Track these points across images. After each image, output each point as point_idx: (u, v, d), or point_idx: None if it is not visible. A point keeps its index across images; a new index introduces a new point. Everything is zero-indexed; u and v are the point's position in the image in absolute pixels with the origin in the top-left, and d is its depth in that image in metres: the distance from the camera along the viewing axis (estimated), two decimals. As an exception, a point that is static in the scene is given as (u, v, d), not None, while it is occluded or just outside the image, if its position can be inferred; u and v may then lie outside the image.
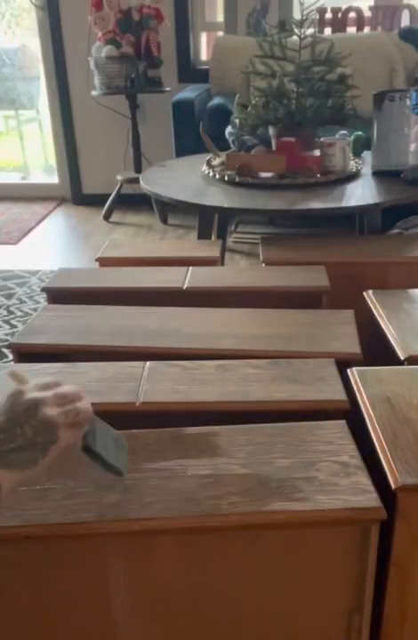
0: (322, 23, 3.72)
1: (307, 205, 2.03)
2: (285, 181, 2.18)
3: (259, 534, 0.80)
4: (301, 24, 2.25)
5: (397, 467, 0.81)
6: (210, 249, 1.86)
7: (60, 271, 1.68)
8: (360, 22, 3.80)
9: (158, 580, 0.82)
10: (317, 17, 3.52)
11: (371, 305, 1.35)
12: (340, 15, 3.78)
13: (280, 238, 2.26)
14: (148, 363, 1.13)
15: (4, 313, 2.60)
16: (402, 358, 1.13)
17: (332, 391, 1.03)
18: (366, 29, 3.82)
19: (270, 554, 0.81)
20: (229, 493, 0.80)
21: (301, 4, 2.24)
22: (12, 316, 2.56)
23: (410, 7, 3.79)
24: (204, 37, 4.09)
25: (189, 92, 3.47)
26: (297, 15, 2.36)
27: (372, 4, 3.87)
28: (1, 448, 0.67)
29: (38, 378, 0.74)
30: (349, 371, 1.06)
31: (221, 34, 3.92)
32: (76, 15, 3.57)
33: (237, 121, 2.42)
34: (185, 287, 1.50)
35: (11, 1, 5.47)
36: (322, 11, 3.66)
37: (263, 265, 1.71)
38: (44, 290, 1.59)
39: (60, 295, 1.53)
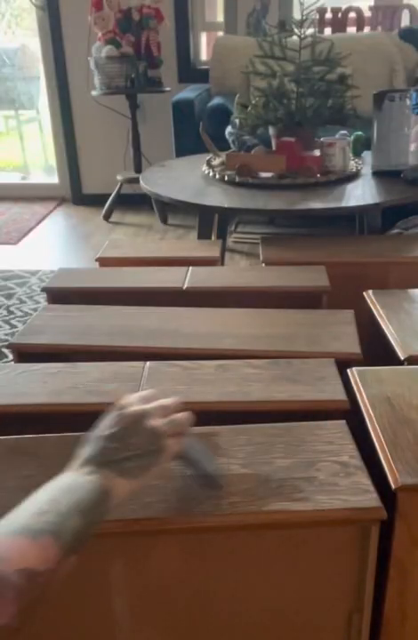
0: (322, 23, 3.72)
1: (307, 205, 2.03)
2: (285, 181, 2.18)
3: (259, 534, 0.80)
4: (301, 24, 2.25)
5: (397, 467, 0.81)
6: (210, 249, 1.86)
7: (60, 271, 1.68)
8: (360, 22, 3.80)
9: (158, 580, 0.82)
10: (317, 17, 3.52)
11: (371, 305, 1.35)
12: (340, 15, 3.78)
13: (280, 238, 2.26)
14: (148, 363, 1.13)
15: (4, 313, 2.60)
16: (402, 358, 1.13)
17: (332, 391, 1.03)
18: (366, 29, 3.82)
19: (270, 554, 0.81)
20: (229, 493, 0.80)
21: (301, 3, 2.24)
22: (11, 316, 2.56)
23: (410, 7, 3.79)
24: (204, 37, 4.09)
25: (189, 92, 3.47)
26: (297, 15, 2.36)
27: (372, 3, 3.87)
28: (115, 457, 0.69)
29: (138, 392, 0.79)
30: (349, 371, 1.06)
31: (221, 34, 3.92)
32: (76, 15, 3.57)
33: (237, 121, 2.42)
34: (185, 287, 1.50)
35: (11, 1, 5.47)
36: (322, 11, 3.66)
37: (263, 265, 1.71)
38: (44, 290, 1.59)
39: (60, 295, 1.53)
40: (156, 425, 0.73)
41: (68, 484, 0.67)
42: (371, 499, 0.79)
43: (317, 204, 2.04)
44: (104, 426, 0.73)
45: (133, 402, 0.76)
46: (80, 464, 0.70)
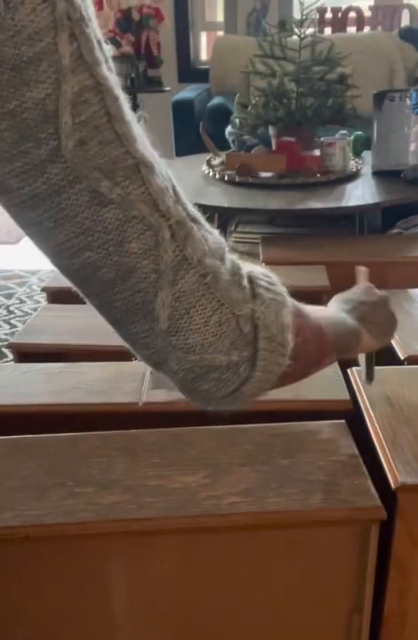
0: (322, 23, 3.72)
1: (307, 205, 2.03)
2: (285, 181, 2.18)
3: (259, 534, 0.80)
4: (301, 24, 2.26)
5: (397, 466, 0.81)
6: (210, 249, 1.86)
7: (60, 271, 1.68)
8: (360, 22, 3.81)
9: (158, 580, 0.82)
10: (317, 17, 3.52)
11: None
12: (340, 15, 3.78)
13: (280, 238, 2.27)
14: (148, 363, 1.13)
15: (4, 313, 2.60)
16: (402, 358, 1.12)
17: (334, 391, 1.03)
18: (366, 29, 3.82)
19: (270, 554, 0.81)
20: (228, 493, 0.80)
21: (301, 3, 2.24)
22: (12, 316, 2.56)
23: (410, 7, 3.79)
24: (204, 37, 4.09)
25: (189, 92, 3.47)
26: (297, 15, 2.36)
27: (372, 3, 3.88)
28: (366, 317, 0.79)
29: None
30: (349, 370, 1.06)
31: (221, 34, 3.92)
32: (76, 15, 3.57)
33: (237, 121, 2.42)
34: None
35: (11, 1, 5.46)
36: (322, 11, 3.66)
37: (263, 265, 1.71)
38: (44, 290, 1.59)
39: (59, 295, 1.53)
40: (393, 313, 0.88)
41: (331, 317, 0.75)
42: (371, 498, 0.79)
43: (317, 204, 2.04)
44: (359, 292, 0.86)
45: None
46: (340, 308, 0.79)
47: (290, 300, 0.57)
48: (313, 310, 0.66)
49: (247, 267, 0.55)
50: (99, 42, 0.45)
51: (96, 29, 0.45)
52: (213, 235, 0.53)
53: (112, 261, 0.47)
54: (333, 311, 0.79)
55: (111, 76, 0.45)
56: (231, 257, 0.53)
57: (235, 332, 0.51)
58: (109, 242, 0.46)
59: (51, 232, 0.46)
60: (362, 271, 0.97)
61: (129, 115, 0.46)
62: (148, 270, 0.47)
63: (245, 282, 0.53)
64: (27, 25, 0.39)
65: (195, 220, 0.51)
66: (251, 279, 0.54)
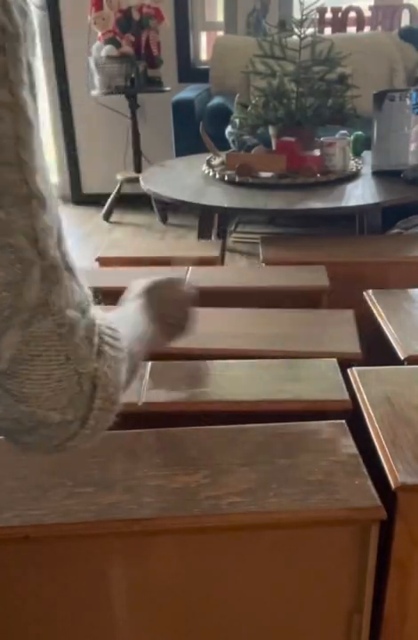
0: (322, 23, 3.71)
1: (307, 205, 2.03)
2: (285, 181, 2.18)
3: (259, 534, 0.80)
4: (301, 24, 2.26)
5: (397, 466, 0.81)
6: (210, 249, 1.86)
7: (59, 271, 1.68)
8: (360, 22, 3.80)
9: (158, 580, 0.82)
10: (317, 17, 3.52)
11: (371, 305, 1.35)
12: (340, 15, 3.78)
13: (280, 238, 2.27)
14: (149, 363, 1.13)
15: (4, 313, 2.59)
16: (402, 358, 1.12)
17: (334, 391, 1.03)
18: (366, 29, 3.82)
19: (270, 554, 0.81)
20: (228, 493, 0.80)
21: (301, 3, 2.24)
22: (11, 316, 2.56)
23: (410, 7, 3.78)
24: (204, 37, 4.09)
25: (189, 92, 3.47)
26: (297, 15, 2.36)
27: (372, 3, 3.87)
28: (163, 318, 0.82)
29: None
30: (349, 370, 1.06)
31: (221, 34, 3.92)
32: (76, 15, 3.57)
33: (237, 121, 2.42)
34: (185, 287, 1.50)
35: (11, 1, 5.46)
36: (322, 10, 3.66)
37: (263, 265, 1.71)
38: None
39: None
40: (189, 314, 0.91)
41: (139, 332, 0.74)
42: (371, 498, 0.79)
43: (317, 204, 2.04)
44: (165, 286, 0.87)
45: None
46: (141, 304, 0.79)
47: (127, 352, 0.56)
48: (128, 325, 0.67)
49: (99, 318, 0.53)
50: (29, 64, 0.44)
51: (32, 50, 0.44)
52: (82, 287, 0.51)
53: None
54: (137, 315, 0.76)
55: (32, 102, 0.44)
56: (91, 312, 0.52)
57: (74, 389, 0.49)
58: None
59: None
60: (177, 259, 1.05)
61: (38, 145, 0.45)
62: (5, 304, 0.45)
63: (96, 339, 0.51)
64: None
65: (69, 269, 0.49)
66: (100, 334, 0.52)
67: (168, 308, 0.85)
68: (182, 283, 0.93)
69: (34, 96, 0.45)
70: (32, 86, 0.44)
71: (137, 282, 0.85)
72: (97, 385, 0.51)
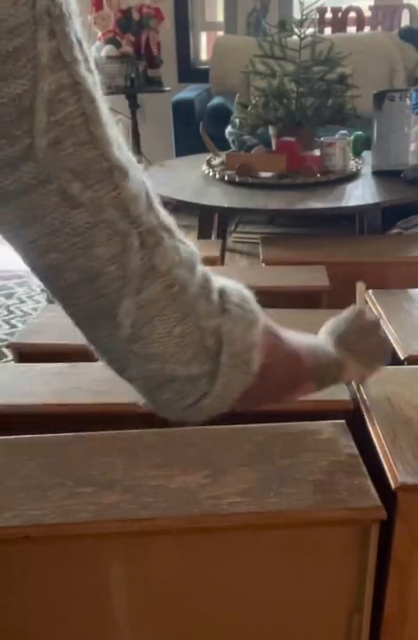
0: (322, 23, 3.72)
1: (307, 205, 2.03)
2: (285, 181, 2.18)
3: (259, 534, 0.80)
4: (301, 24, 2.26)
5: (397, 467, 0.81)
6: (210, 249, 1.86)
7: (60, 271, 1.68)
8: (360, 22, 3.81)
9: (158, 580, 0.82)
10: (317, 17, 3.52)
11: (371, 305, 1.35)
12: (340, 15, 3.78)
13: (280, 238, 2.27)
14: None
15: (4, 313, 2.60)
16: (402, 358, 1.12)
17: (334, 391, 1.02)
18: (366, 29, 3.82)
19: (270, 554, 0.81)
20: (228, 493, 0.80)
21: (301, 3, 2.24)
22: (12, 316, 2.56)
23: (410, 7, 3.79)
24: (204, 37, 4.09)
25: (189, 92, 3.47)
26: (297, 15, 2.36)
27: (372, 3, 3.88)
28: (353, 347, 0.80)
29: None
30: (349, 371, 1.06)
31: (221, 34, 3.92)
32: (76, 15, 3.57)
33: (237, 121, 2.42)
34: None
35: (11, 1, 5.46)
36: (322, 10, 3.66)
37: (263, 265, 1.71)
38: (44, 290, 1.59)
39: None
40: (384, 338, 0.87)
41: (312, 344, 0.74)
42: (371, 498, 0.79)
43: (317, 204, 2.04)
44: (347, 320, 0.83)
45: (368, 312, 0.89)
46: (326, 339, 0.78)
47: (263, 319, 0.57)
48: (293, 335, 0.66)
49: (221, 280, 0.54)
50: (79, 41, 0.44)
51: (77, 28, 0.44)
52: (185, 245, 0.52)
53: (78, 264, 0.46)
54: (317, 339, 0.77)
55: (90, 76, 0.44)
56: (203, 269, 0.53)
57: (198, 344, 0.51)
58: (76, 244, 0.45)
59: (19, 230, 0.45)
60: (360, 288, 0.94)
61: (106, 117, 0.45)
62: (114, 276, 0.47)
63: (215, 296, 0.52)
64: (6, 18, 0.39)
65: (167, 229, 0.50)
66: (222, 293, 0.53)
67: (355, 336, 0.82)
68: (362, 310, 0.89)
69: (90, 71, 0.45)
70: (87, 61, 0.45)
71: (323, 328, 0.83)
72: (222, 340, 0.52)
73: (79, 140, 0.43)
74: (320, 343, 0.76)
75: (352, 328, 0.81)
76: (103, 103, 0.46)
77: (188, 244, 0.53)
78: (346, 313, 0.85)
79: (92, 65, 0.46)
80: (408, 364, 1.12)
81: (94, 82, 0.45)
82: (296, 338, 0.67)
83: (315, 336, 0.79)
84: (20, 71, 0.40)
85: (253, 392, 0.56)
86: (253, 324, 0.55)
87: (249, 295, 0.57)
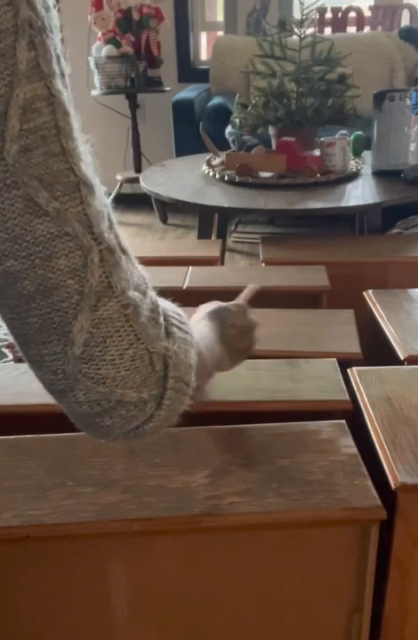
0: (322, 23, 3.72)
1: (307, 205, 2.03)
2: (285, 181, 2.18)
3: (259, 534, 0.80)
4: (301, 24, 2.26)
5: (397, 466, 0.81)
6: (210, 249, 1.86)
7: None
8: (360, 22, 3.80)
9: (158, 580, 0.82)
10: (317, 17, 3.52)
11: (371, 305, 1.35)
12: (340, 15, 3.78)
13: (280, 238, 2.27)
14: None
15: (4, 313, 2.59)
16: (402, 358, 1.12)
17: (334, 391, 1.03)
18: (366, 29, 3.82)
19: (270, 554, 0.81)
20: (228, 493, 0.80)
21: (301, 3, 2.24)
22: (11, 316, 2.56)
23: (410, 7, 3.79)
24: (204, 37, 4.09)
25: (189, 92, 3.47)
26: (297, 15, 2.36)
27: (372, 3, 3.87)
28: (231, 342, 0.82)
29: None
30: (349, 371, 1.06)
31: (221, 34, 3.92)
32: (76, 15, 3.57)
33: (237, 121, 2.42)
34: (185, 287, 1.50)
35: (11, 1, 5.46)
36: (322, 10, 3.66)
37: (263, 265, 1.71)
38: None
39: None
40: (255, 342, 0.89)
41: (208, 345, 0.75)
42: (371, 498, 0.79)
43: (317, 204, 2.04)
44: (233, 312, 0.87)
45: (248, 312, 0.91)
46: (208, 325, 0.80)
47: (195, 340, 0.58)
48: (200, 339, 0.67)
49: (161, 303, 0.55)
50: (58, 55, 0.45)
51: (57, 42, 0.45)
52: (137, 269, 0.53)
53: (36, 274, 0.46)
54: (206, 332, 0.78)
55: (65, 91, 0.46)
56: (152, 293, 0.54)
57: (147, 368, 0.51)
58: (37, 254, 0.45)
59: None
60: (251, 288, 1.00)
61: (77, 133, 0.46)
62: (72, 290, 0.46)
63: (161, 319, 0.53)
64: None
65: (124, 252, 0.51)
66: (165, 317, 0.54)
67: (235, 332, 0.84)
68: (246, 309, 0.91)
69: (65, 85, 0.46)
70: (63, 76, 0.46)
71: (202, 306, 0.85)
72: (168, 364, 0.53)
73: (50, 151, 0.44)
74: (212, 339, 0.78)
75: (235, 323, 0.85)
76: (75, 119, 0.47)
77: (140, 268, 0.54)
78: (234, 306, 0.89)
79: (68, 81, 0.47)
80: (408, 363, 1.12)
81: (69, 97, 0.46)
82: (202, 343, 0.69)
83: (203, 320, 0.81)
84: None
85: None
86: (191, 347, 0.57)
87: (185, 317, 0.58)
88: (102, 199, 0.49)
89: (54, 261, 0.45)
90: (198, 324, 0.78)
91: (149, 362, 0.51)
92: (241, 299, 0.94)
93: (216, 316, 0.82)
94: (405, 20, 3.79)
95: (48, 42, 0.43)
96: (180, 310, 0.58)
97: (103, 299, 0.48)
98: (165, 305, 0.56)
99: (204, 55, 4.07)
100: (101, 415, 0.52)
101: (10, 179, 0.43)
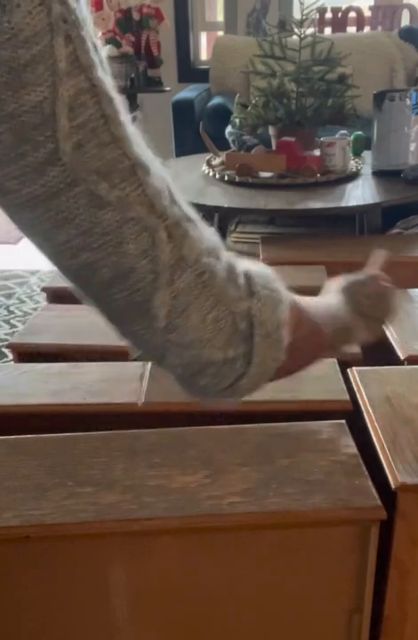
0: (322, 23, 3.72)
1: (307, 205, 2.03)
2: (284, 181, 2.18)
3: (259, 534, 0.80)
4: (301, 24, 2.26)
5: (397, 466, 0.81)
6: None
7: (60, 271, 1.68)
8: (360, 22, 3.81)
9: (158, 580, 0.82)
10: (317, 17, 3.52)
11: (371, 305, 1.34)
12: (340, 15, 3.78)
13: (280, 238, 2.27)
14: (149, 363, 1.13)
15: (4, 313, 2.60)
16: (402, 358, 1.12)
17: (334, 391, 1.03)
18: (366, 29, 3.82)
19: (270, 554, 0.81)
20: (228, 493, 0.80)
21: (301, 3, 2.24)
22: (12, 316, 2.57)
23: (410, 7, 3.79)
24: (204, 37, 4.09)
25: (189, 92, 3.47)
26: (297, 15, 2.36)
27: (372, 3, 3.88)
28: (366, 313, 0.81)
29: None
30: (349, 371, 1.06)
31: (221, 34, 3.92)
32: (76, 15, 3.57)
33: (237, 121, 2.42)
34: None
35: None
36: (322, 10, 3.66)
37: (263, 263, 1.71)
38: (43, 290, 1.59)
39: (60, 295, 1.53)
40: (395, 307, 0.86)
41: (330, 312, 0.76)
42: (371, 498, 0.79)
43: (317, 204, 2.04)
44: (364, 282, 0.84)
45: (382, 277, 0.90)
46: (340, 298, 0.80)
47: (287, 296, 0.59)
48: (311, 303, 0.69)
49: (244, 264, 0.57)
50: (94, 44, 0.45)
51: (91, 32, 0.45)
52: (208, 233, 0.54)
53: (111, 262, 0.47)
54: (333, 303, 0.79)
55: (106, 78, 0.46)
56: (227, 255, 0.55)
57: (231, 328, 0.53)
58: (108, 243, 0.47)
59: (49, 233, 0.46)
60: (379, 255, 0.95)
61: (124, 116, 0.47)
62: (146, 270, 0.48)
63: (241, 280, 0.54)
64: (23, 28, 0.40)
65: (190, 220, 0.52)
66: (247, 276, 0.55)
67: (368, 302, 0.84)
68: (378, 276, 0.90)
69: (106, 72, 0.46)
70: (102, 63, 0.46)
71: (333, 280, 0.86)
72: (253, 322, 0.54)
73: (101, 142, 0.44)
74: (336, 307, 0.78)
75: (368, 294, 0.83)
76: (120, 103, 0.47)
77: (211, 231, 0.55)
78: (364, 275, 0.87)
79: (107, 66, 0.47)
80: (408, 364, 1.12)
81: (111, 83, 0.46)
82: (316, 306, 0.71)
83: (331, 295, 0.81)
84: (39, 79, 0.41)
85: (282, 367, 0.59)
86: (280, 303, 0.58)
87: (272, 275, 0.59)
88: (159, 175, 0.50)
89: (125, 247, 0.47)
90: (325, 297, 0.80)
91: (233, 322, 0.53)
92: (370, 267, 0.93)
93: (345, 288, 0.83)
94: (405, 20, 3.79)
95: (83, 33, 0.43)
96: (269, 270, 0.59)
97: (177, 271, 0.49)
98: (249, 265, 0.58)
99: (204, 55, 4.07)
100: (195, 376, 0.56)
101: (69, 177, 0.44)
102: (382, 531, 0.79)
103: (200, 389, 0.57)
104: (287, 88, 2.30)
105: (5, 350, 2.18)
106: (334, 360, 1.11)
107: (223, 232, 2.55)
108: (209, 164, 2.40)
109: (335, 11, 3.77)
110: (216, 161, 2.41)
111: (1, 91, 0.40)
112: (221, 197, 2.14)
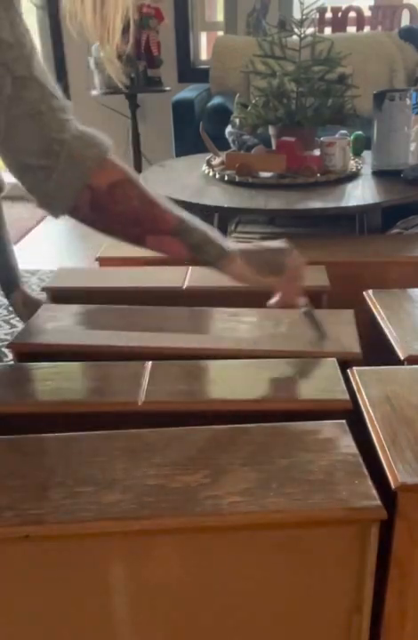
0: (322, 23, 3.72)
1: (307, 205, 2.03)
2: (284, 181, 2.18)
3: (259, 534, 0.80)
4: (301, 24, 2.26)
5: (397, 466, 0.81)
6: (210, 249, 1.85)
7: (59, 271, 1.68)
8: (360, 22, 3.81)
9: (158, 580, 0.82)
10: (317, 16, 3.53)
11: (371, 305, 1.35)
12: (340, 15, 3.78)
13: (280, 238, 2.26)
14: (148, 363, 1.13)
15: (4, 313, 2.60)
16: (402, 358, 1.12)
17: (334, 391, 1.03)
18: (366, 29, 3.83)
19: (270, 554, 0.81)
20: (228, 493, 0.80)
21: (301, 3, 2.24)
22: (12, 316, 2.56)
23: (410, 7, 3.79)
24: (204, 37, 4.09)
25: (189, 92, 3.47)
26: (297, 15, 2.36)
27: (372, 3, 3.88)
28: (251, 254, 1.10)
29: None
30: (349, 371, 1.06)
31: (221, 34, 3.92)
32: (76, 15, 3.57)
33: (237, 121, 2.42)
34: (185, 287, 1.50)
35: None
36: (322, 10, 3.66)
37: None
38: (44, 289, 1.59)
39: (60, 295, 1.53)
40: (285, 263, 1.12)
41: (199, 226, 1.04)
42: (371, 498, 0.79)
43: (317, 204, 2.04)
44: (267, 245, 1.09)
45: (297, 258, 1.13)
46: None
47: (105, 148, 0.97)
48: (176, 214, 1.03)
49: (88, 130, 0.97)
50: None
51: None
52: (52, 94, 0.89)
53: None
54: (206, 226, 1.03)
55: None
56: (62, 114, 0.92)
57: (48, 145, 0.87)
58: None
59: None
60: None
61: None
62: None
63: (71, 125, 0.92)
64: None
65: (35, 80, 0.86)
66: (83, 131, 0.93)
67: (258, 252, 1.06)
68: (290, 252, 1.09)
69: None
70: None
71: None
72: (64, 148, 0.90)
73: None
74: (205, 227, 1.02)
75: (264, 246, 1.06)
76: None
77: (60, 97, 0.91)
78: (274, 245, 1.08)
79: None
80: (408, 364, 1.12)
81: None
82: (176, 212, 1.03)
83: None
84: None
85: (96, 208, 0.96)
86: (94, 147, 0.93)
87: (107, 142, 0.96)
88: (21, 50, 0.83)
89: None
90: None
91: (50, 142, 0.87)
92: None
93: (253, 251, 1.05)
94: (405, 20, 3.79)
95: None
96: (107, 139, 0.98)
97: (13, 104, 0.83)
98: (93, 132, 0.97)
99: (204, 55, 4.07)
100: (22, 178, 0.91)
101: None
102: (382, 531, 0.79)
103: (26, 187, 0.91)
104: (287, 88, 2.30)
105: (5, 350, 2.18)
106: (334, 360, 1.11)
107: (223, 232, 2.54)
108: (209, 163, 2.40)
109: (335, 10, 3.77)
110: (216, 161, 2.41)
111: None
112: (220, 197, 2.14)
